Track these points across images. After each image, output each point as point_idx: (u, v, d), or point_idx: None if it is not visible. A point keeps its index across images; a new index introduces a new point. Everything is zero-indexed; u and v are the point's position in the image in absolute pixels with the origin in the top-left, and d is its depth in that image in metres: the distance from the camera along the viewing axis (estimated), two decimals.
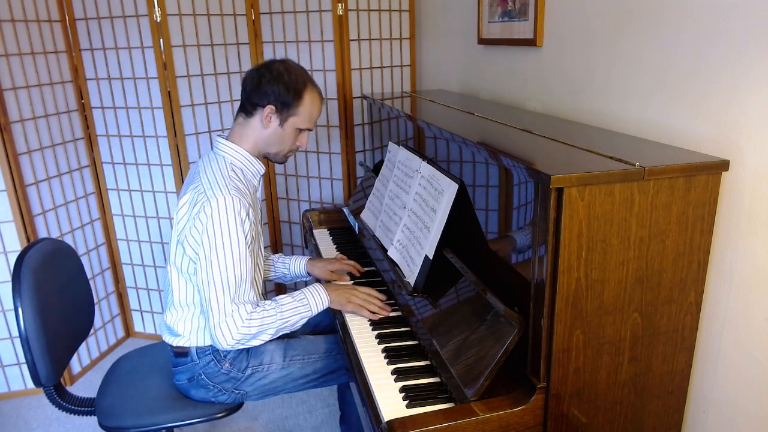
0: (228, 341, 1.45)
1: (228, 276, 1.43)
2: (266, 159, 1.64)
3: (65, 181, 2.57)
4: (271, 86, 1.50)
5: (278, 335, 1.55)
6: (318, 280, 1.83)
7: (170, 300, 1.58)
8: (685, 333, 1.26)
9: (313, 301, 1.57)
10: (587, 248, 1.11)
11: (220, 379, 1.58)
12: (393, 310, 1.62)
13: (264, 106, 1.52)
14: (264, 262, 1.89)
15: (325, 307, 1.59)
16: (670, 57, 1.39)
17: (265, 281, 1.85)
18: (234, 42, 2.63)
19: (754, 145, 1.21)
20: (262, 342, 1.52)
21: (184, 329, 1.56)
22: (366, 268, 1.95)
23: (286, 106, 1.52)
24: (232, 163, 1.54)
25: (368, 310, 1.59)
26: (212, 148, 1.60)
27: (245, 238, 1.44)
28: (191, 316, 1.56)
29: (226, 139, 1.58)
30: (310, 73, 2.61)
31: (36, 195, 2.42)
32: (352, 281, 1.84)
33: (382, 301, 1.63)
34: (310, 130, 1.60)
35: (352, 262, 1.88)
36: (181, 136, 2.60)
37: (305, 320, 1.57)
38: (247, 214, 1.45)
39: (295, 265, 1.88)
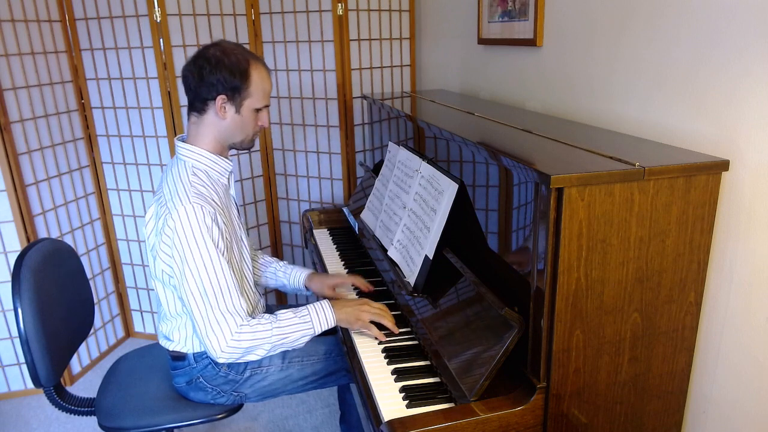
0: (218, 353, 1.40)
1: (204, 287, 1.37)
2: (234, 149, 1.56)
3: (65, 181, 2.57)
4: (215, 75, 1.40)
5: (277, 351, 1.49)
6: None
7: (162, 311, 1.56)
8: (685, 333, 1.25)
9: (317, 318, 1.49)
10: (587, 248, 1.11)
11: (218, 381, 1.57)
12: (393, 311, 1.62)
13: (214, 98, 1.43)
14: (267, 268, 1.84)
15: (330, 327, 1.50)
16: (670, 57, 1.39)
17: (265, 289, 1.79)
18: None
19: (754, 145, 1.21)
20: (259, 357, 1.46)
21: (180, 337, 1.54)
22: (366, 268, 1.95)
23: (236, 90, 1.43)
24: (193, 166, 1.46)
25: (377, 329, 1.51)
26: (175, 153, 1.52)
27: (216, 246, 1.38)
28: (184, 324, 1.53)
29: (185, 141, 1.50)
30: (309, 72, 2.63)
31: (36, 195, 2.42)
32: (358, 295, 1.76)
33: (393, 322, 1.53)
34: (267, 106, 1.51)
35: (359, 279, 1.75)
36: None
37: (307, 338, 1.50)
38: (214, 220, 1.38)
39: (294, 277, 1.80)
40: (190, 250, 1.36)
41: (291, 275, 1.80)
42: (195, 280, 1.37)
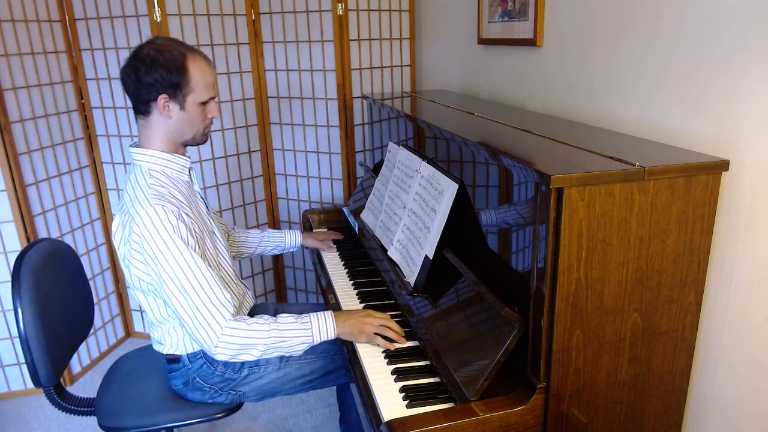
0: (212, 347, 1.38)
1: (184, 286, 1.36)
2: (187, 145, 1.53)
3: (65, 181, 2.57)
4: (152, 75, 1.37)
5: (273, 355, 1.47)
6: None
7: (148, 319, 1.55)
8: (685, 333, 1.26)
9: (317, 327, 1.46)
10: (587, 248, 1.11)
11: (215, 380, 1.57)
12: (393, 311, 1.62)
13: (156, 99, 1.40)
14: (261, 239, 1.98)
15: (330, 338, 1.48)
16: (670, 57, 1.39)
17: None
18: (234, 42, 2.63)
19: (754, 145, 1.21)
20: (254, 358, 1.44)
21: (171, 340, 1.54)
22: (366, 268, 1.95)
23: (176, 88, 1.40)
24: (150, 169, 1.44)
25: (383, 339, 1.47)
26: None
27: (186, 243, 1.36)
28: (173, 327, 1.52)
29: (138, 146, 1.48)
30: (309, 72, 2.63)
31: (36, 195, 2.42)
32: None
33: (398, 332, 1.50)
34: (214, 98, 1.48)
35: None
36: None
37: (305, 346, 1.46)
38: (178, 218, 1.36)
39: (289, 238, 2.03)
40: (161, 252, 1.35)
41: (286, 237, 2.04)
42: (173, 280, 1.36)
